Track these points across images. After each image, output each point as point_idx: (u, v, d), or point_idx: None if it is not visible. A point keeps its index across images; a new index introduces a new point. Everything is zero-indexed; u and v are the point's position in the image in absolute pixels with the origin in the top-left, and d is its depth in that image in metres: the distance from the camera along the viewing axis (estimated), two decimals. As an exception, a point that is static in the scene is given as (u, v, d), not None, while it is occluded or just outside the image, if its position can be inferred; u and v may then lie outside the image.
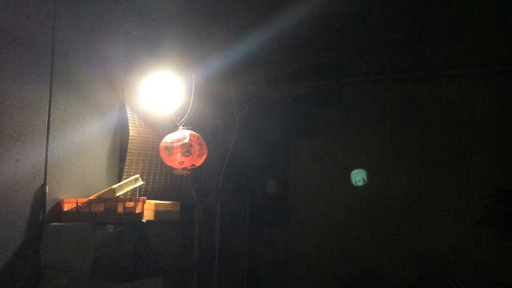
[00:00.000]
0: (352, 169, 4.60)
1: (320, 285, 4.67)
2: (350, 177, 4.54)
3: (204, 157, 3.24)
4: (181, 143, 3.10)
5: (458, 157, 4.24)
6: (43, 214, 2.72)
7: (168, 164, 3.21)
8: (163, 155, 3.17)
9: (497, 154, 4.10)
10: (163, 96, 3.31)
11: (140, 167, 3.38)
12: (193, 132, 3.22)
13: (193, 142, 3.12)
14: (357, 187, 4.54)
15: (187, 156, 3.10)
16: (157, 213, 3.07)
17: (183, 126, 3.31)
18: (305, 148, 4.87)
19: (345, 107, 4.68)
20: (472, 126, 4.21)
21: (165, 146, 3.15)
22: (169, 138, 3.17)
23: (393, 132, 4.49)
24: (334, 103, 4.65)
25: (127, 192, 3.06)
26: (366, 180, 4.46)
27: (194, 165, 3.19)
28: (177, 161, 3.13)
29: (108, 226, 2.70)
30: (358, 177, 4.48)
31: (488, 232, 3.84)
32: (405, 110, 4.46)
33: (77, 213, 2.75)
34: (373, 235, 4.50)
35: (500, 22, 4.08)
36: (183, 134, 3.15)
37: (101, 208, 2.77)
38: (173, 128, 3.32)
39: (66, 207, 2.78)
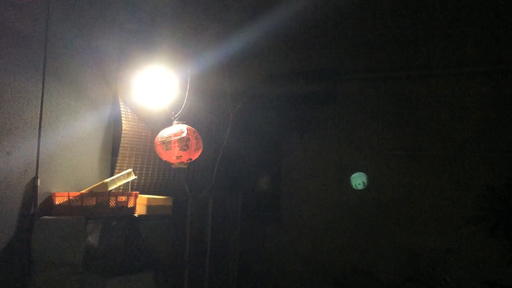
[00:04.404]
0: (344, 167, 4.61)
1: (312, 282, 4.69)
2: (349, 179, 4.53)
3: (200, 150, 3.25)
4: (178, 137, 3.10)
5: (449, 155, 4.27)
6: (34, 207, 2.71)
7: (165, 159, 3.19)
8: (160, 149, 3.15)
9: (488, 153, 4.12)
10: (157, 90, 3.28)
11: (132, 162, 3.36)
12: (189, 126, 3.22)
13: (190, 136, 3.13)
14: (349, 184, 4.55)
15: (185, 150, 3.11)
16: (149, 207, 3.07)
17: (177, 121, 3.30)
18: (298, 145, 4.87)
19: (338, 105, 4.68)
20: (464, 124, 4.23)
21: (162, 140, 3.12)
22: (165, 133, 3.15)
23: (385, 130, 4.51)
24: (328, 101, 4.66)
25: (119, 186, 3.05)
26: (366, 184, 4.47)
27: (190, 159, 3.20)
28: (175, 155, 3.12)
29: (100, 220, 2.69)
30: (358, 180, 4.50)
31: (478, 230, 3.87)
32: (398, 108, 4.47)
33: (69, 207, 2.73)
34: (364, 232, 4.53)
35: (493, 22, 4.11)
36: (180, 129, 3.15)
37: (93, 202, 2.76)
38: (167, 123, 3.30)
39: (58, 201, 2.77)
